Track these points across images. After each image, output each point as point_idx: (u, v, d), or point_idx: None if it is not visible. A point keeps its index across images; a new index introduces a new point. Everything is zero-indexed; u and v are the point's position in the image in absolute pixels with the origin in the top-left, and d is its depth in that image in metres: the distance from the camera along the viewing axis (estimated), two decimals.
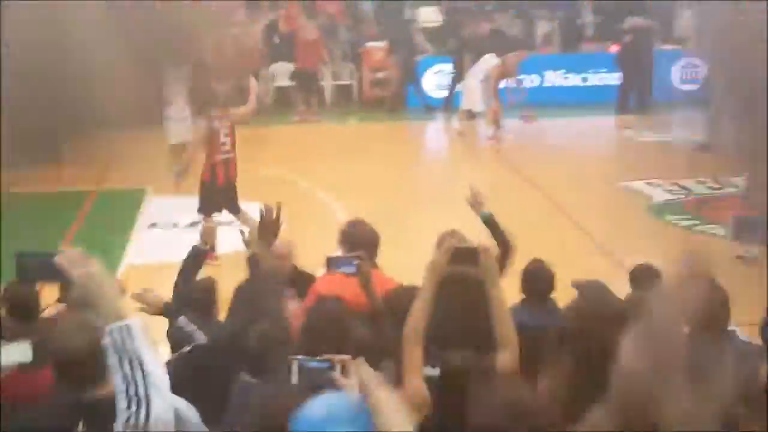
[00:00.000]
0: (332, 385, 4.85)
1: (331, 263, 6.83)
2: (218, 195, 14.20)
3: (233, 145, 14.18)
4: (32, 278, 3.87)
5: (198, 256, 8.35)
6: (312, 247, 10.38)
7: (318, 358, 4.98)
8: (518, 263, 7.60)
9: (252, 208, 7.11)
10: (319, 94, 25.92)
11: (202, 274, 8.28)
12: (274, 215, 6.97)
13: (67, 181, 18.47)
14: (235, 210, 14.32)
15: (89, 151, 21.08)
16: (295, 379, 5.03)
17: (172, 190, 14.98)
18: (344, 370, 4.87)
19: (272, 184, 17.35)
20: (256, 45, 25.42)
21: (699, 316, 6.21)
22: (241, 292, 7.10)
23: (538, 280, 7.49)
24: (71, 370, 4.19)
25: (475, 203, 7.87)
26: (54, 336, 4.33)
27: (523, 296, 7.50)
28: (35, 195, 18.11)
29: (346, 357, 4.92)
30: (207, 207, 14.21)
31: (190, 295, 7.76)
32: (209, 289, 7.78)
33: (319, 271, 7.71)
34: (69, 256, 3.35)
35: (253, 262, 6.87)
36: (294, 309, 7.26)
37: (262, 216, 6.98)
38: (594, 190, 17.07)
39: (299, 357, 5.08)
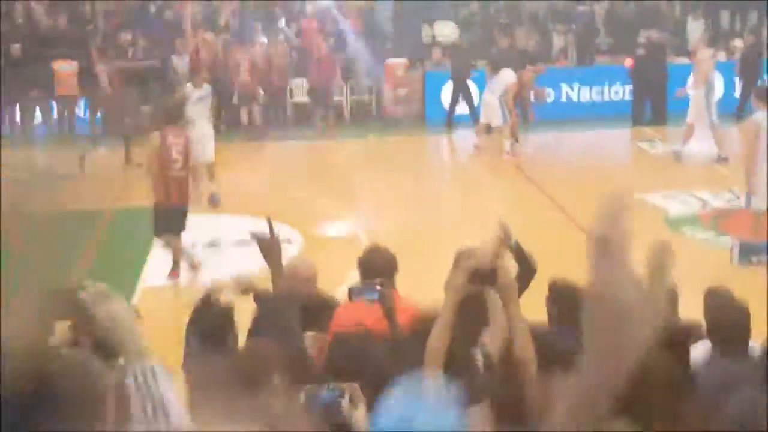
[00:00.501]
0: (341, 414, 4.86)
1: (353, 292, 6.79)
2: (171, 214, 13.72)
3: (185, 164, 13.73)
4: (54, 316, 3.78)
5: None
6: (331, 265, 10.41)
7: (327, 386, 4.99)
8: (540, 277, 7.58)
9: (263, 226, 6.89)
10: (337, 110, 25.84)
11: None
12: (268, 232, 6.77)
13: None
14: (181, 229, 13.94)
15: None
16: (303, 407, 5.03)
17: (191, 210, 14.59)
18: (352, 398, 4.89)
19: (289, 201, 17.33)
20: (285, 63, 25.42)
21: (721, 331, 6.25)
22: (258, 319, 7.01)
23: (560, 299, 7.42)
24: (65, 406, 4.20)
25: (505, 238, 7.74)
26: (52, 371, 4.33)
27: (547, 316, 7.45)
28: (54, 213, 18.06)
29: (354, 385, 4.93)
30: (160, 227, 13.82)
31: (207, 319, 7.60)
32: (226, 314, 7.58)
33: (340, 291, 7.58)
34: (92, 293, 3.31)
35: (260, 291, 6.71)
36: (316, 336, 7.10)
37: (257, 240, 6.75)
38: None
39: (308, 385, 5.09)
